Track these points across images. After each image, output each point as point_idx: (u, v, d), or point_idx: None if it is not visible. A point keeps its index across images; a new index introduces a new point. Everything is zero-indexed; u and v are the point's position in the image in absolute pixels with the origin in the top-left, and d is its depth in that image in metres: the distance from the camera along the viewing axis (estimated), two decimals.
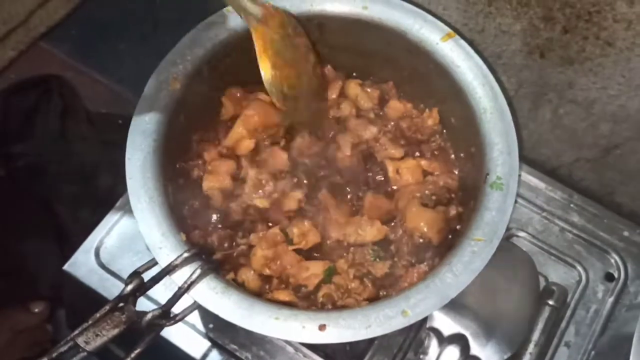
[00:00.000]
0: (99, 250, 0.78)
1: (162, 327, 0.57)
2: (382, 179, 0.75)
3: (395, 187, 0.75)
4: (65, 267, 0.76)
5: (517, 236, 0.84)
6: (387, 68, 0.80)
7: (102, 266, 0.77)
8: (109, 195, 0.84)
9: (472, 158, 0.72)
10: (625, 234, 0.85)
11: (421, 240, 0.70)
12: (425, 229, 0.70)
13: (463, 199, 0.73)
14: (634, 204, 0.92)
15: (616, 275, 0.83)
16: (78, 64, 1.14)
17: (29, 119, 1.03)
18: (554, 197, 0.88)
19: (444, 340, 0.77)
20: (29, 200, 0.98)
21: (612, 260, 0.84)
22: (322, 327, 0.57)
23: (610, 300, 0.81)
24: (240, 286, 0.66)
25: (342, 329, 0.57)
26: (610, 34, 0.70)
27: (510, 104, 0.70)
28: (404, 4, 0.73)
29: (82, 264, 0.77)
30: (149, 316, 0.56)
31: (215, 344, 0.74)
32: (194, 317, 0.75)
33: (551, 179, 0.89)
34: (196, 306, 0.59)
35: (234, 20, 0.71)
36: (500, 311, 0.78)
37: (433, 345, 0.77)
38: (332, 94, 0.79)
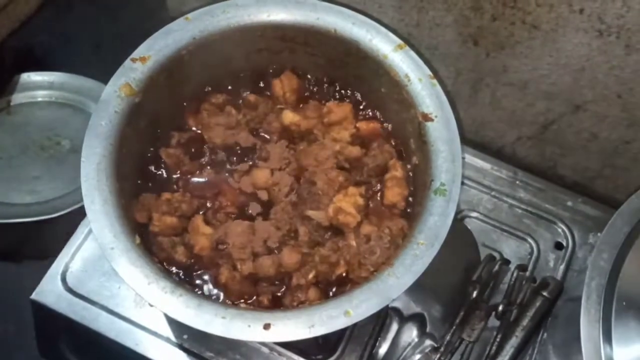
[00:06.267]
0: (65, 276, 0.77)
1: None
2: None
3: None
4: (33, 296, 0.76)
5: (470, 217, 0.88)
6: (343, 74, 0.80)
7: (70, 291, 0.76)
8: None
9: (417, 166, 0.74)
10: (569, 203, 0.90)
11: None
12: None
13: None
14: (576, 175, 0.96)
15: (565, 244, 0.87)
16: None
17: None
18: (500, 176, 0.92)
19: (404, 320, 0.79)
20: None
21: (560, 230, 0.88)
22: (266, 326, 0.59)
23: (562, 267, 0.85)
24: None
25: (286, 328, 0.59)
26: (535, 17, 0.74)
27: (448, 93, 0.73)
28: (357, 15, 0.74)
29: (49, 292, 0.76)
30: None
31: (191, 354, 0.75)
32: (167, 330, 0.76)
33: (495, 159, 0.93)
34: None
35: (193, 28, 0.72)
36: (452, 287, 0.80)
37: (393, 324, 0.79)
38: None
